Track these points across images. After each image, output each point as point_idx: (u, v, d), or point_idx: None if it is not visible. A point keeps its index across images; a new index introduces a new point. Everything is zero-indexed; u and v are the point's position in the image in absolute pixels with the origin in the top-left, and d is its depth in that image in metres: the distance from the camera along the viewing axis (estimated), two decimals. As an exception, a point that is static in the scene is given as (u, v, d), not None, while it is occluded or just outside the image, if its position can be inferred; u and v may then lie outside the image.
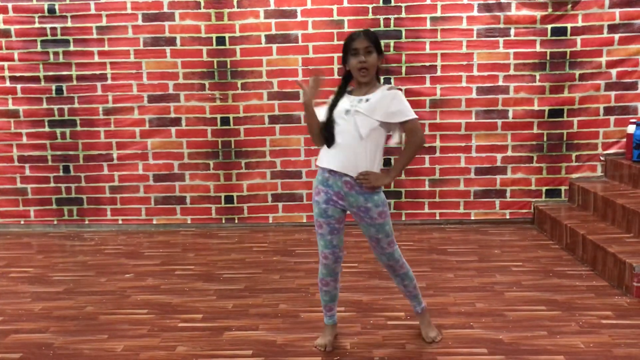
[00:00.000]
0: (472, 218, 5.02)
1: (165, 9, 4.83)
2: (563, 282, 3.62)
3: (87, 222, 5.18)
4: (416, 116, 2.62)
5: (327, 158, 2.64)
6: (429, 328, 2.90)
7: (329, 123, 2.62)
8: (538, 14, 4.72)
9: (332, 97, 2.72)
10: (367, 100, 2.59)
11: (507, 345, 2.79)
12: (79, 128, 5.03)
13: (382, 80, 2.81)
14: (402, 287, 2.88)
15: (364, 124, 2.56)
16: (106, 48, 4.90)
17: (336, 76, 4.83)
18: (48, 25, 4.87)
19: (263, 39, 4.85)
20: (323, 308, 2.88)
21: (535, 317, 3.11)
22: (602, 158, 4.89)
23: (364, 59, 2.56)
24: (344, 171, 2.58)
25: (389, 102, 2.56)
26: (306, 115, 2.69)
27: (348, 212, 2.72)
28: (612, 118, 4.83)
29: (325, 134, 2.63)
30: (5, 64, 4.93)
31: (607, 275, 3.61)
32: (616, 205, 4.10)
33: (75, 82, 4.95)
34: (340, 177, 2.60)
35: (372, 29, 2.85)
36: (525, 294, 3.44)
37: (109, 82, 4.95)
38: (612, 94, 4.80)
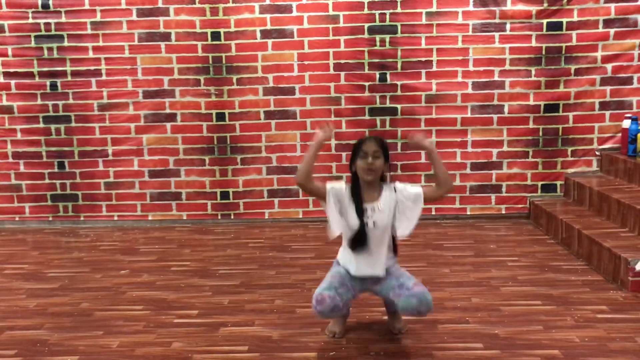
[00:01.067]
0: (468, 213, 5.03)
1: (160, 4, 4.81)
2: (558, 277, 3.62)
3: (82, 218, 5.16)
4: (421, 189, 2.78)
5: (355, 265, 2.77)
6: (396, 320, 2.92)
7: (362, 228, 2.69)
8: (534, 8, 4.71)
9: (346, 187, 2.75)
10: (379, 208, 2.71)
11: (502, 340, 2.79)
12: (73, 124, 5.01)
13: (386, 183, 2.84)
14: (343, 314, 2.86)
15: (384, 231, 2.72)
16: (101, 43, 4.88)
17: (331, 71, 4.83)
18: (42, 21, 4.85)
19: (258, 34, 4.83)
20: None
21: (531, 311, 3.11)
22: (597, 153, 4.90)
23: (372, 161, 2.65)
24: (372, 275, 2.76)
25: (403, 199, 2.74)
26: (312, 153, 2.70)
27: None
28: (607, 113, 4.84)
29: (358, 238, 2.71)
30: (-1, 59, 4.92)
31: (603, 270, 3.62)
32: (611, 200, 4.11)
33: (69, 78, 4.93)
34: (365, 280, 2.79)
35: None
36: (520, 288, 3.45)
37: (104, 77, 4.92)
38: (608, 88, 4.80)
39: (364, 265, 2.76)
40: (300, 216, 5.08)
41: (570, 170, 4.94)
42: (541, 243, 4.34)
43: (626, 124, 4.64)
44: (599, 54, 4.75)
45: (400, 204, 2.74)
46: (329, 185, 2.73)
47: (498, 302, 3.25)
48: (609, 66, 4.76)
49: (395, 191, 2.76)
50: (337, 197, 2.72)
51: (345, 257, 2.84)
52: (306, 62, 4.84)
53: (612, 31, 4.71)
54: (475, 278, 3.64)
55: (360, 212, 2.69)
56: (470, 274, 3.72)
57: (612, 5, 4.67)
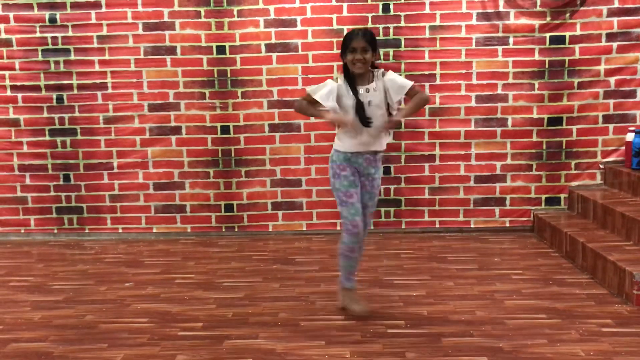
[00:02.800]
0: (472, 226, 5.03)
1: (166, 18, 4.85)
2: (563, 290, 3.62)
3: (87, 231, 5.18)
4: (413, 82, 3.12)
5: (352, 143, 3.08)
6: (357, 302, 3.29)
7: (362, 108, 3.01)
8: (537, 22, 4.74)
9: (340, 79, 3.09)
10: (374, 89, 3.04)
11: (507, 354, 2.79)
12: (79, 137, 5.04)
13: (374, 71, 3.13)
14: (354, 263, 3.27)
15: (378, 110, 3.04)
16: (107, 57, 4.92)
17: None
18: (49, 35, 4.90)
19: (263, 48, 4.87)
20: (346, 274, 3.27)
21: (536, 325, 3.11)
22: (601, 166, 4.90)
23: (360, 56, 2.96)
24: (370, 149, 3.10)
25: (390, 84, 3.04)
26: (315, 115, 3.21)
27: None
28: (611, 126, 4.85)
29: (362, 117, 3.01)
30: (7, 73, 4.95)
31: (607, 283, 3.61)
32: (616, 213, 4.11)
33: (75, 91, 4.97)
34: (361, 155, 3.11)
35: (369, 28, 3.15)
36: (525, 302, 3.44)
37: (110, 91, 4.96)
38: (611, 102, 4.81)
39: (359, 143, 3.07)
40: (304, 229, 5.08)
41: (574, 183, 4.94)
42: (545, 256, 4.33)
43: (630, 137, 4.64)
44: (602, 68, 4.76)
45: (388, 89, 3.06)
46: (322, 89, 3.05)
47: (502, 315, 3.25)
48: (612, 79, 4.77)
49: (383, 76, 3.07)
50: (332, 94, 3.03)
51: (345, 141, 3.11)
52: (310, 76, 4.87)
53: (615, 45, 4.73)
54: (480, 291, 3.63)
55: (356, 92, 3.02)
56: (474, 287, 3.72)
57: (615, 19, 4.70)
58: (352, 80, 3.05)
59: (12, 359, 2.87)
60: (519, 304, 3.42)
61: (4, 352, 2.94)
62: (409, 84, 3.08)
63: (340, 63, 3.14)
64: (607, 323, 3.11)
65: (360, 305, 3.28)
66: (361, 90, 3.04)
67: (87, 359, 2.84)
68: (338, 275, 3.92)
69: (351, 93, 3.03)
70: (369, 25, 4.79)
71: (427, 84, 4.84)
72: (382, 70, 3.11)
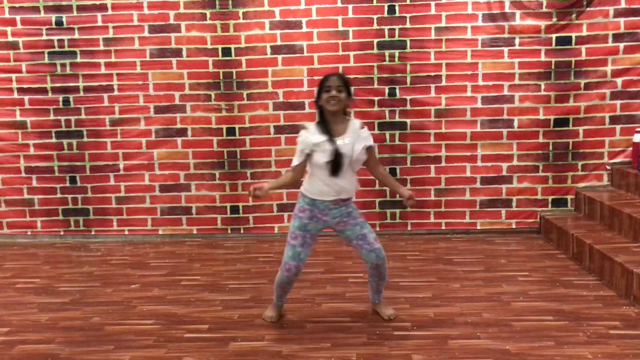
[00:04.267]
0: (478, 228, 5.01)
1: (172, 21, 4.86)
2: (570, 292, 3.60)
3: (93, 233, 5.19)
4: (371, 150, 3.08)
5: (319, 189, 3.00)
6: (385, 309, 3.29)
7: (338, 156, 2.93)
8: (542, 23, 4.73)
9: (311, 127, 3.01)
10: (347, 141, 2.95)
11: (514, 356, 2.77)
12: (85, 139, 5.05)
13: (351, 115, 3.11)
14: (374, 285, 3.25)
15: (354, 160, 2.98)
16: (113, 59, 4.94)
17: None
18: (55, 37, 4.92)
19: (268, 50, 4.88)
20: (277, 297, 3.29)
21: (543, 327, 3.09)
22: (608, 167, 4.88)
23: (335, 93, 2.92)
24: (339, 197, 3.01)
25: (364, 138, 3.01)
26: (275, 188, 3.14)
27: (322, 231, 3.15)
28: (617, 127, 4.83)
29: (334, 165, 2.93)
30: (13, 75, 4.98)
31: (615, 285, 3.59)
32: (623, 214, 4.09)
33: (82, 94, 4.99)
34: (328, 201, 3.02)
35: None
36: (532, 304, 3.43)
37: (116, 93, 4.98)
38: (618, 102, 4.79)
39: (334, 190, 2.99)
40: (310, 230, 5.07)
41: (580, 185, 4.92)
42: (552, 258, 4.32)
43: (637, 138, 4.62)
44: (608, 68, 4.75)
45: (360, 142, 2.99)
46: (299, 145, 3.01)
47: (509, 317, 3.23)
48: (619, 80, 4.75)
49: (360, 130, 3.01)
50: (307, 145, 2.97)
51: (313, 186, 3.03)
52: (316, 78, 4.87)
53: (621, 45, 4.71)
54: (486, 293, 3.62)
55: (332, 141, 2.94)
56: (480, 289, 3.71)
57: (622, 20, 4.68)
58: (327, 126, 2.97)
59: (19, 360, 2.88)
60: (525, 305, 3.40)
61: (11, 354, 2.95)
62: (372, 142, 3.07)
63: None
64: (615, 325, 3.09)
65: (272, 311, 3.32)
66: (338, 141, 2.94)
67: (93, 361, 2.85)
68: (344, 277, 3.93)
69: (326, 141, 2.93)
70: (375, 26, 4.79)
71: (432, 86, 4.84)
72: (358, 123, 3.05)
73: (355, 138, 2.97)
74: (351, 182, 3.04)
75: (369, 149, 3.04)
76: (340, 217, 3.06)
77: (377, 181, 4.82)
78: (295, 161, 3.04)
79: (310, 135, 2.97)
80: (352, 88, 3.08)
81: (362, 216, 3.13)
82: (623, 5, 4.66)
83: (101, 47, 4.92)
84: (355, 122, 3.03)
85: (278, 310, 3.34)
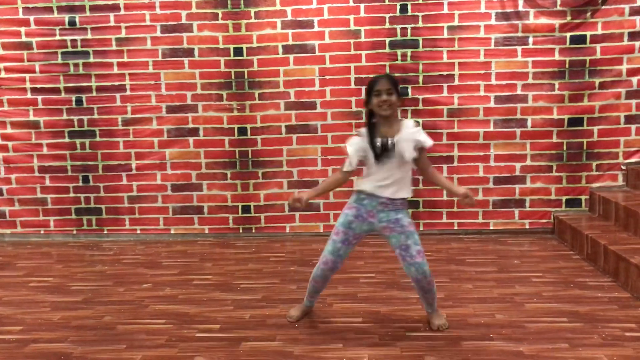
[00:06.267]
0: (491, 228, 4.98)
1: (184, 21, 4.87)
2: (584, 294, 3.56)
3: (105, 232, 5.22)
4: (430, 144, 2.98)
5: (370, 185, 2.95)
6: (437, 319, 3.14)
7: (385, 151, 2.89)
8: (557, 22, 4.68)
9: (363, 132, 2.98)
10: (399, 138, 2.88)
11: (527, 358, 2.75)
12: (98, 138, 5.08)
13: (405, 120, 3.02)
14: (421, 297, 3.14)
15: (402, 159, 2.90)
16: (125, 59, 4.96)
17: (352, 86, 4.84)
18: (68, 37, 4.94)
19: (280, 50, 4.87)
20: (307, 293, 3.27)
21: (557, 329, 3.06)
22: (623, 167, 4.82)
23: (385, 98, 2.86)
24: (388, 197, 2.93)
25: (415, 137, 2.92)
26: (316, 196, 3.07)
27: (369, 234, 3.06)
28: (633, 127, 4.77)
29: (381, 158, 2.90)
30: (27, 75, 5.01)
31: (630, 287, 3.54)
32: (638, 215, 4.04)
33: (94, 93, 5.01)
34: (377, 199, 2.95)
35: (392, 74, 3.12)
36: (545, 305, 3.39)
37: (128, 93, 5.00)
38: (633, 102, 4.73)
39: (384, 186, 2.92)
40: (322, 230, 5.07)
41: (595, 185, 4.87)
42: (566, 259, 4.27)
43: (653, 137, 4.57)
44: (624, 67, 4.69)
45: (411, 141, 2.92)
46: (350, 150, 2.97)
47: (522, 318, 3.20)
48: (635, 79, 4.70)
49: (412, 129, 2.93)
50: (358, 151, 2.95)
51: (365, 182, 2.98)
52: (327, 77, 4.86)
53: (637, 44, 4.65)
54: (499, 294, 3.59)
55: (374, 140, 2.90)
56: (493, 290, 3.67)
57: (637, 18, 4.62)
58: (375, 129, 2.94)
59: (32, 359, 2.89)
60: (539, 307, 3.37)
61: (24, 352, 2.97)
62: (428, 143, 2.96)
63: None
64: (631, 327, 3.05)
65: (296, 311, 3.31)
66: (379, 142, 2.90)
67: (105, 360, 2.86)
68: (356, 277, 3.91)
69: (376, 141, 2.92)
70: (387, 25, 4.76)
71: (445, 85, 4.81)
72: (412, 123, 2.98)
73: (407, 137, 2.90)
74: (402, 181, 2.94)
75: (420, 149, 2.95)
76: (388, 222, 2.96)
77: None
78: (347, 166, 2.98)
79: (361, 140, 2.95)
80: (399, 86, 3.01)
81: (412, 226, 2.99)
82: (639, 3, 4.60)
83: (114, 47, 4.94)
84: (408, 122, 2.97)
85: (304, 311, 3.31)
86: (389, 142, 2.89)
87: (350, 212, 3.01)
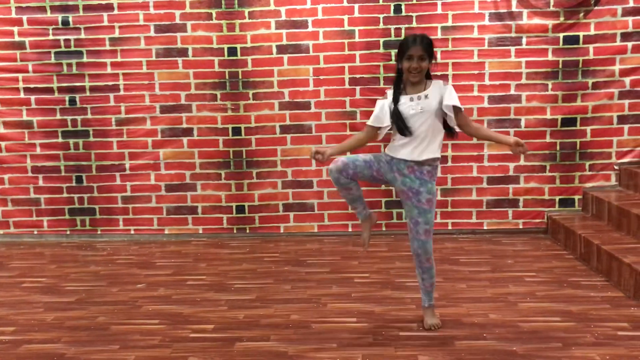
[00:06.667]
0: (485, 228, 4.99)
1: (177, 20, 4.87)
2: (578, 293, 3.57)
3: (99, 232, 5.20)
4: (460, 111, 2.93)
5: (398, 150, 2.92)
6: (430, 318, 3.12)
7: (399, 118, 2.87)
8: (550, 22, 4.70)
9: (389, 93, 2.97)
10: (426, 96, 2.87)
11: (520, 357, 2.75)
12: (91, 139, 5.06)
13: (431, 79, 2.98)
14: (420, 280, 3.13)
15: (428, 118, 2.86)
16: (119, 59, 4.94)
17: (347, 86, 4.84)
18: (62, 37, 4.93)
19: (274, 50, 4.87)
20: (350, 207, 3.25)
21: (550, 328, 3.07)
22: (616, 167, 4.84)
23: (416, 65, 2.84)
24: (414, 159, 2.89)
25: (446, 94, 2.88)
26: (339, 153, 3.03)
27: (380, 182, 3.06)
28: (626, 127, 4.79)
29: (401, 126, 2.87)
30: (20, 75, 4.99)
31: (623, 286, 3.56)
32: (631, 214, 4.06)
33: (88, 93, 5.00)
34: (405, 162, 2.91)
35: (425, 36, 2.97)
36: (539, 304, 3.40)
37: (122, 93, 4.98)
38: (626, 102, 4.76)
39: (405, 150, 2.90)
40: (316, 230, 5.07)
41: (588, 185, 4.89)
42: (559, 258, 4.29)
43: (645, 137, 4.59)
44: (616, 68, 4.71)
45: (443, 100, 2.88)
46: (376, 109, 2.96)
47: (516, 318, 3.21)
48: (627, 80, 4.72)
49: (443, 88, 2.90)
50: (381, 111, 2.94)
51: (392, 144, 2.96)
52: (322, 77, 4.86)
53: (630, 44, 4.68)
54: (493, 294, 3.60)
55: (397, 101, 2.88)
56: (487, 289, 3.68)
57: (630, 19, 4.64)
58: (401, 87, 2.93)
59: (25, 360, 2.88)
60: (532, 306, 3.38)
61: (17, 353, 2.96)
62: (459, 105, 2.90)
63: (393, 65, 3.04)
64: (624, 327, 3.06)
65: (363, 229, 3.18)
66: (404, 99, 2.88)
67: (99, 361, 2.85)
68: (350, 277, 3.92)
69: (392, 103, 2.91)
70: (381, 25, 4.77)
71: (439, 85, 4.81)
72: (442, 81, 2.96)
73: (434, 97, 2.86)
74: (430, 142, 2.88)
75: (454, 108, 2.87)
76: (408, 189, 2.93)
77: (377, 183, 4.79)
78: (370, 122, 2.98)
79: (387, 100, 2.94)
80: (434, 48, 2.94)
81: (430, 203, 2.94)
82: (631, 4, 4.63)
83: (107, 47, 4.93)
84: (437, 82, 2.93)
85: (366, 225, 3.15)
86: (414, 99, 2.86)
87: (385, 158, 2.98)
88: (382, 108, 2.95)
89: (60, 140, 5.08)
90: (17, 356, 2.92)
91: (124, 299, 3.70)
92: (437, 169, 2.99)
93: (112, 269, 4.37)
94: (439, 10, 4.74)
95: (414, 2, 4.74)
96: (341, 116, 4.91)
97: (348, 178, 2.95)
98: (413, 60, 2.83)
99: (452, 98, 2.87)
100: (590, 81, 4.75)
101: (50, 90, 5.01)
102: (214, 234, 5.16)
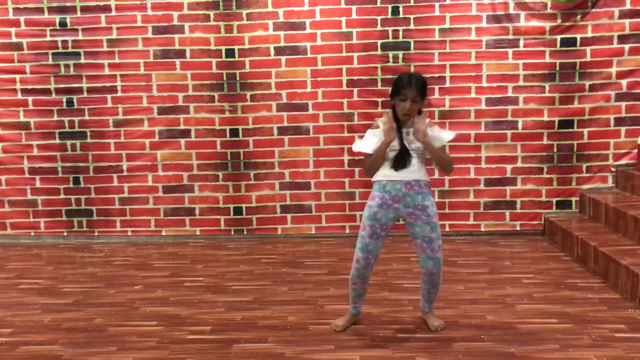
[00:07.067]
0: (482, 229, 5.00)
1: (175, 22, 4.86)
2: (575, 295, 3.58)
3: (96, 234, 5.19)
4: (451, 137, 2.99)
5: (389, 173, 2.91)
6: (434, 320, 3.15)
7: (406, 152, 2.89)
8: (547, 24, 4.71)
9: (380, 123, 2.93)
10: (413, 133, 2.88)
11: (518, 359, 2.76)
12: (89, 140, 5.06)
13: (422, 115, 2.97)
14: (425, 292, 3.13)
15: (418, 151, 2.91)
16: (116, 60, 4.94)
17: (344, 87, 4.85)
18: (59, 38, 4.92)
19: (272, 51, 4.87)
20: (350, 299, 3.17)
21: (547, 330, 3.08)
22: (613, 169, 4.86)
23: (409, 107, 2.83)
24: (406, 179, 2.89)
25: (436, 134, 2.93)
26: (380, 152, 2.88)
27: (394, 222, 2.98)
28: (622, 129, 4.80)
29: (401, 159, 2.89)
30: (17, 76, 4.98)
31: (620, 288, 3.57)
32: (628, 216, 4.07)
33: (85, 94, 4.99)
34: (400, 182, 2.89)
35: (420, 76, 2.94)
36: (536, 306, 3.41)
37: (119, 94, 4.98)
38: (623, 104, 4.77)
39: (397, 174, 2.89)
40: (313, 232, 5.07)
41: (585, 187, 4.90)
42: (556, 260, 4.30)
43: (642, 139, 4.60)
44: (613, 70, 4.72)
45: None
46: (370, 135, 2.94)
47: (513, 320, 3.22)
48: (624, 82, 4.73)
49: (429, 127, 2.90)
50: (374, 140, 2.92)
51: (382, 171, 2.93)
52: (319, 79, 4.87)
53: (627, 47, 4.69)
54: (490, 295, 3.60)
55: (401, 136, 2.88)
56: (484, 291, 3.69)
57: (627, 21, 4.65)
58: (398, 122, 2.91)
59: (22, 361, 2.87)
60: (530, 308, 3.39)
61: (14, 354, 2.95)
62: (446, 140, 2.96)
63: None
64: (620, 328, 3.07)
65: (342, 320, 3.18)
66: (404, 133, 2.90)
67: (96, 362, 2.84)
68: (347, 278, 3.92)
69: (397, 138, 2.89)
70: (378, 27, 4.77)
71: (436, 87, 4.82)
72: (427, 119, 2.92)
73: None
74: (419, 167, 2.91)
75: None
76: (414, 207, 2.90)
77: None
78: (367, 150, 2.93)
79: (378, 131, 2.91)
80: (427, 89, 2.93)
81: (437, 216, 2.95)
82: (628, 6, 4.64)
83: (105, 48, 4.93)
84: (419, 118, 2.91)
85: (350, 320, 3.18)
86: (409, 133, 2.88)
87: (374, 202, 2.93)
88: (374, 138, 2.92)
89: (57, 141, 5.07)
90: (14, 358, 2.91)
91: (121, 300, 3.70)
92: (429, 184, 3.00)
93: (109, 270, 4.36)
94: (437, 12, 4.75)
95: (412, 4, 4.74)
96: (339, 118, 4.91)
97: (371, 268, 3.04)
98: (406, 101, 2.83)
99: (442, 138, 2.94)
100: (587, 83, 4.76)
101: (47, 92, 5.00)
102: (212, 235, 5.15)
